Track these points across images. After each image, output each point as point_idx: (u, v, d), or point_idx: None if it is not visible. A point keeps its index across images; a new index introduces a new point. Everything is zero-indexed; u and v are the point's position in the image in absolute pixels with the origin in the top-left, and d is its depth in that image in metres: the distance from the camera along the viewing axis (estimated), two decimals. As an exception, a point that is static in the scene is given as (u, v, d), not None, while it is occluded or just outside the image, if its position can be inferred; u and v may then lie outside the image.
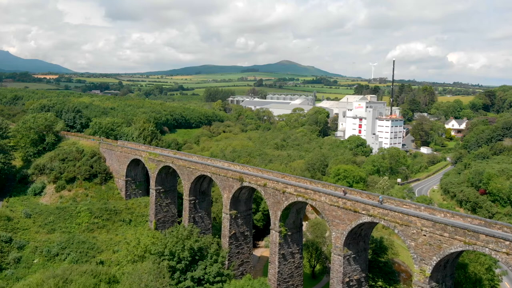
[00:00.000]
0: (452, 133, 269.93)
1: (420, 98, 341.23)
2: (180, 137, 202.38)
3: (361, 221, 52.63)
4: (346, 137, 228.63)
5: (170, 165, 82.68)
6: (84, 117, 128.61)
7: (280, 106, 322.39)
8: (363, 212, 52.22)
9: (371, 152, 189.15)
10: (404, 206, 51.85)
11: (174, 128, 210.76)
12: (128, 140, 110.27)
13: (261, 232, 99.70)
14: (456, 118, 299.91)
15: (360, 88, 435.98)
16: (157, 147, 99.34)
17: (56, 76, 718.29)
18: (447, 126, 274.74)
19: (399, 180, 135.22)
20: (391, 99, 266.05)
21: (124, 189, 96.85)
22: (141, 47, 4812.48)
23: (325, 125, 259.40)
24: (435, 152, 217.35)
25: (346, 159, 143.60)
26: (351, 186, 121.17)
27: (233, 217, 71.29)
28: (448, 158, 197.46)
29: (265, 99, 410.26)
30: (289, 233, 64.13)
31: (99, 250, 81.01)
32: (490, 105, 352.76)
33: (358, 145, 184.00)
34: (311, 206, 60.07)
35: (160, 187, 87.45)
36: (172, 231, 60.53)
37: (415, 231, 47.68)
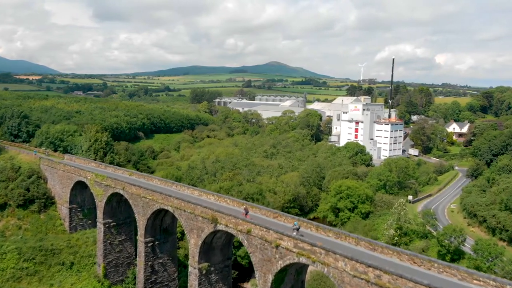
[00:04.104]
0: (454, 137, 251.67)
1: (417, 100, 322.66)
2: (158, 143, 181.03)
3: (407, 310, 31.74)
4: (341, 142, 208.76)
5: (121, 192, 60.96)
6: (31, 124, 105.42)
7: (269, 108, 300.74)
8: (411, 296, 31.30)
9: (371, 160, 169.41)
10: (461, 274, 31.24)
11: (151, 133, 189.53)
12: (78, 154, 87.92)
13: (246, 271, 78.40)
14: (455, 120, 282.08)
15: (353, 89, 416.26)
16: (111, 164, 77.20)
17: (39, 77, 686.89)
18: (448, 130, 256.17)
19: (410, 197, 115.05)
20: (389, 101, 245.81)
21: (68, 219, 74.56)
22: (129, 47, 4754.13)
23: (317, 129, 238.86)
24: (439, 159, 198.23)
25: (346, 171, 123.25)
26: (356, 207, 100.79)
27: (204, 272, 49.91)
28: (455, 167, 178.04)
29: (254, 100, 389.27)
30: (285, 305, 43.12)
31: (24, 310, 59.55)
32: (488, 106, 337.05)
33: (357, 152, 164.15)
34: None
35: (110, 220, 65.73)
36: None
37: None
